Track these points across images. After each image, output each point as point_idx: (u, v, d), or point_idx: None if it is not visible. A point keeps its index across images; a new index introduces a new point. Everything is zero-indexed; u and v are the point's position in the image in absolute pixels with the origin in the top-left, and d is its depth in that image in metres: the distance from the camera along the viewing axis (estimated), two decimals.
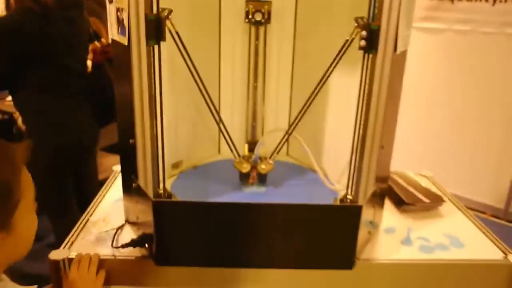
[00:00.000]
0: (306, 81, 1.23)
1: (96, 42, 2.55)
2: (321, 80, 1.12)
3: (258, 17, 1.24)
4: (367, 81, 0.97)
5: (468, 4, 3.24)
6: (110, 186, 1.46)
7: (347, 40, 1.03)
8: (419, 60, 3.52)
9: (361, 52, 0.97)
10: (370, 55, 0.96)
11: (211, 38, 1.29)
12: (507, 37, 3.13)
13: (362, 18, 0.97)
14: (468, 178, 3.42)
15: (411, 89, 3.57)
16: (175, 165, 1.36)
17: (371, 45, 0.95)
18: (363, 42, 0.96)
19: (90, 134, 2.23)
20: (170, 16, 0.93)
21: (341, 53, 1.05)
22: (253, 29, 1.26)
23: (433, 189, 1.49)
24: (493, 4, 3.16)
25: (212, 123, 1.21)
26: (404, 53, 1.08)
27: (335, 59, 1.07)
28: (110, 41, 1.08)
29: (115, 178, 1.50)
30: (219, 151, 1.50)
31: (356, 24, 0.99)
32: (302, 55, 1.31)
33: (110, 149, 2.95)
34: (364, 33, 0.96)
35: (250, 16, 1.25)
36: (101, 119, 2.27)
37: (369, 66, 0.97)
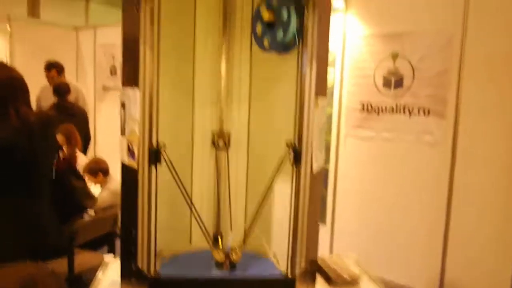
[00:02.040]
0: (256, 187, 1.71)
1: (60, 152, 2.99)
2: (269, 187, 1.60)
3: (221, 143, 1.74)
4: (296, 187, 1.46)
5: (390, 117, 3.94)
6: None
7: (282, 157, 1.53)
8: (355, 160, 4.16)
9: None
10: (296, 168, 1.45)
11: (185, 159, 1.77)
12: (424, 143, 3.78)
13: (291, 142, 1.47)
14: (401, 264, 3.87)
15: (349, 184, 4.16)
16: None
17: (297, 161, 1.44)
18: (292, 159, 1.46)
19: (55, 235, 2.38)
20: (165, 149, 1.41)
21: (279, 165, 1.54)
22: (217, 152, 1.76)
23: (356, 269, 1.93)
24: (410, 117, 3.87)
25: (186, 217, 1.64)
26: (321, 168, 1.59)
27: (277, 170, 1.55)
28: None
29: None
30: (190, 241, 1.90)
31: (287, 146, 1.49)
32: (253, 167, 1.80)
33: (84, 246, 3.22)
34: (292, 153, 1.46)
35: (215, 144, 1.75)
36: (63, 218, 2.57)
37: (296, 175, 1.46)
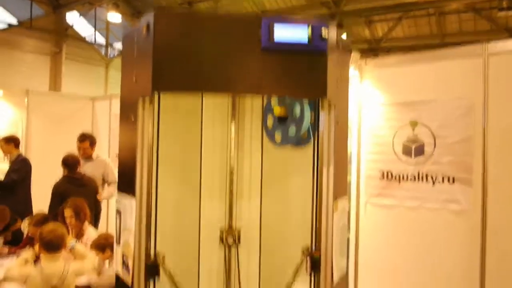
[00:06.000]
0: None
1: None
2: None
3: (230, 240, 1.58)
4: None
5: (412, 185, 3.74)
6: None
7: (298, 265, 1.36)
8: (377, 229, 3.93)
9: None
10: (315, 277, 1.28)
11: (192, 259, 1.61)
12: (450, 212, 3.55)
13: (307, 248, 1.31)
14: None
15: (371, 254, 3.90)
16: None
17: (315, 269, 1.27)
18: (309, 268, 1.29)
19: None
20: (164, 261, 1.25)
21: (295, 274, 1.37)
22: (227, 249, 1.59)
23: None
24: (433, 185, 3.66)
25: None
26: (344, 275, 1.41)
27: (292, 279, 1.38)
28: None
29: None
30: None
31: (302, 254, 1.32)
32: (266, 269, 1.63)
33: None
34: (309, 260, 1.29)
35: (224, 241, 1.59)
36: None
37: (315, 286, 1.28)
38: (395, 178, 3.83)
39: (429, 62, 3.69)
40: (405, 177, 3.78)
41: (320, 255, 1.24)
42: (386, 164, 3.86)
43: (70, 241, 3.21)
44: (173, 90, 1.22)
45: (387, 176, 3.89)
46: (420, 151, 3.68)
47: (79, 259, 3.05)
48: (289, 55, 1.23)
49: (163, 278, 1.25)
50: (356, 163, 4.07)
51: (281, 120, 1.36)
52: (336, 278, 1.29)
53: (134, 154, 1.17)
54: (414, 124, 3.69)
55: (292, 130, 1.31)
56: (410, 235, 3.74)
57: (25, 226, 4.09)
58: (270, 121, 1.42)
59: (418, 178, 3.71)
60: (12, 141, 5.21)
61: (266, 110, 1.46)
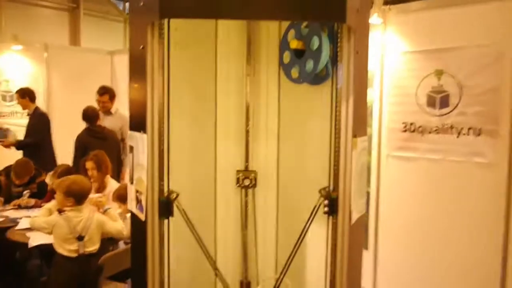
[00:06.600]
0: (288, 232, 1.50)
1: None
2: (299, 237, 1.39)
3: (247, 182, 1.55)
4: (333, 241, 1.24)
5: (435, 137, 3.64)
6: None
7: (315, 206, 1.32)
8: (399, 182, 3.87)
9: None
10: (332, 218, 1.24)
11: (208, 201, 1.59)
12: (475, 165, 3.46)
13: (324, 188, 1.27)
14: None
15: (393, 207, 3.86)
16: None
17: (332, 210, 1.23)
18: (326, 209, 1.25)
19: None
20: (177, 198, 1.23)
21: (311, 217, 1.33)
22: (243, 192, 1.57)
23: None
24: (458, 137, 3.55)
25: (210, 271, 1.45)
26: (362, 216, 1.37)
27: (308, 221, 1.35)
28: None
29: None
30: None
31: (320, 195, 1.29)
32: (283, 212, 1.60)
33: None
34: (326, 201, 1.25)
35: (240, 182, 1.56)
36: None
37: (332, 226, 1.25)
38: (418, 130, 3.72)
39: (456, 7, 3.48)
40: (428, 130, 3.67)
41: (338, 195, 1.20)
42: (409, 115, 3.74)
43: (105, 205, 3.23)
44: (182, 15, 1.15)
45: (410, 128, 3.78)
46: (445, 102, 3.55)
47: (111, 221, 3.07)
48: None
49: (177, 215, 1.23)
50: (378, 115, 3.97)
51: (298, 55, 1.28)
52: (354, 218, 1.25)
53: (144, 89, 1.12)
54: (439, 73, 3.53)
55: (310, 65, 1.23)
56: (433, 188, 3.67)
57: (49, 179, 4.17)
58: (286, 58, 1.34)
59: (442, 130, 3.60)
60: (26, 94, 5.20)
61: (282, 45, 1.38)
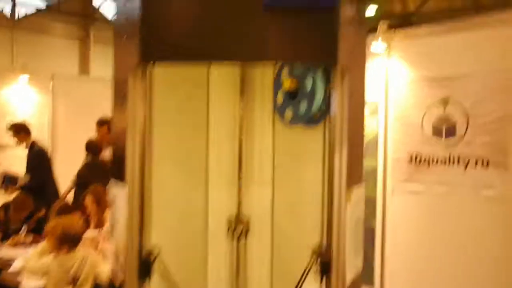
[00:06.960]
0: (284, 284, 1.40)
1: None
2: None
3: (238, 232, 1.46)
4: None
5: (442, 169, 3.53)
6: None
7: (306, 268, 1.22)
8: (404, 216, 3.75)
9: None
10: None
11: (198, 252, 1.50)
12: (483, 198, 3.32)
13: (318, 246, 1.17)
14: None
15: (398, 243, 3.73)
16: None
17: (325, 271, 1.13)
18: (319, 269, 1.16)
19: None
20: (160, 255, 1.14)
21: (303, 278, 1.23)
22: (234, 243, 1.48)
23: None
24: (465, 169, 3.44)
25: None
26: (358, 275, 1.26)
27: (299, 282, 1.24)
28: None
29: None
30: None
31: (312, 252, 1.19)
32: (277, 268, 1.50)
33: None
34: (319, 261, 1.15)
35: (232, 231, 1.47)
36: None
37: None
38: (425, 161, 3.62)
39: (463, 32, 3.39)
40: (434, 161, 3.57)
41: (330, 257, 1.10)
42: (414, 146, 3.65)
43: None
44: (166, 59, 1.08)
45: (415, 159, 3.68)
46: (451, 131, 3.46)
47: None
48: (295, 13, 1.05)
49: (158, 276, 1.15)
50: (383, 146, 3.87)
51: (292, 95, 1.21)
52: (349, 280, 1.15)
53: (124, 134, 1.05)
54: (445, 101, 3.45)
55: (303, 106, 1.16)
56: (440, 223, 3.54)
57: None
58: (279, 98, 1.28)
59: (449, 161, 3.49)
60: (21, 130, 4.91)
61: (276, 85, 1.31)
